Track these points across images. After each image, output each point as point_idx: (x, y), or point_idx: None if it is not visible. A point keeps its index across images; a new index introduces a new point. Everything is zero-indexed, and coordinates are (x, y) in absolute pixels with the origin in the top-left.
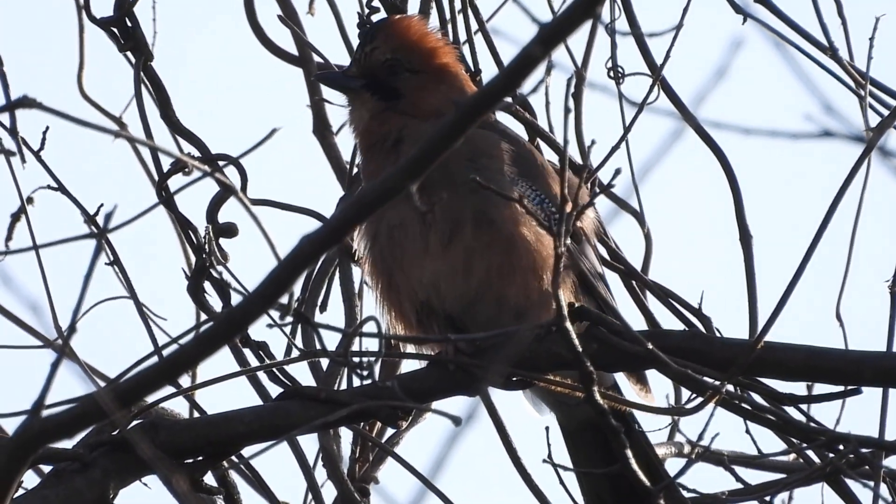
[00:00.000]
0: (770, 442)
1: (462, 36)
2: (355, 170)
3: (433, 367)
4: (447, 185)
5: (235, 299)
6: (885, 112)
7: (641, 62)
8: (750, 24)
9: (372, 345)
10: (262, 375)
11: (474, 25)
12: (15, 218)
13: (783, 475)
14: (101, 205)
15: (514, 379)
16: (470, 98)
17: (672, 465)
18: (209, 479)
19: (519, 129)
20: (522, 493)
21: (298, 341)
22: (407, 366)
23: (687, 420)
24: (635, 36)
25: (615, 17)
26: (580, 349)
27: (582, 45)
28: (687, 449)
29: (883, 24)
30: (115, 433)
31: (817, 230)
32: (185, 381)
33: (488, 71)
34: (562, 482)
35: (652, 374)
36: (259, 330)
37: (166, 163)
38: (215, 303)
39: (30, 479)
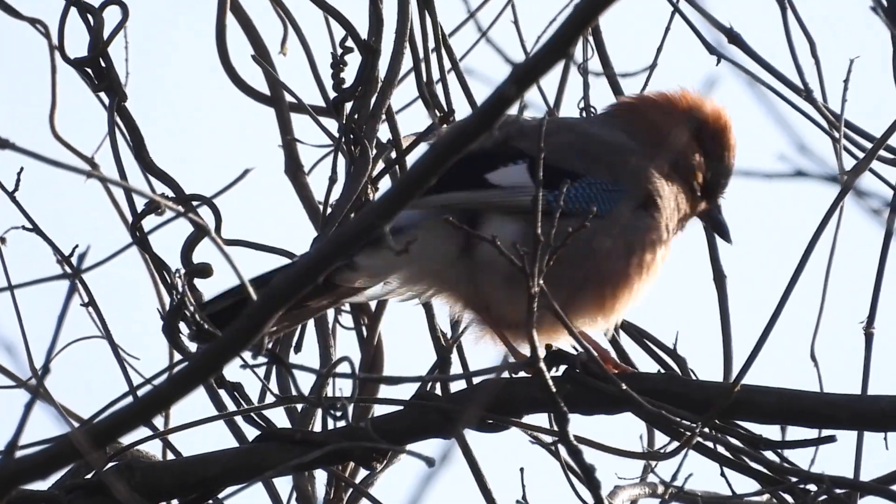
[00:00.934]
0: (744, 482)
1: (436, 75)
2: (329, 210)
3: (408, 409)
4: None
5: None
6: (859, 153)
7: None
8: (724, 64)
9: (346, 385)
10: (237, 417)
11: (448, 65)
12: None
13: None
14: (76, 245)
15: (489, 421)
16: (444, 138)
17: None
18: None
19: None
20: None
21: (273, 382)
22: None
23: (662, 462)
24: (608, 76)
25: (588, 57)
26: (554, 390)
27: (555, 85)
28: (660, 489)
29: (857, 66)
30: (90, 475)
31: (794, 272)
32: (159, 422)
33: (462, 110)
34: None
35: (626, 417)
36: (234, 370)
37: (140, 203)
38: (190, 343)
39: None
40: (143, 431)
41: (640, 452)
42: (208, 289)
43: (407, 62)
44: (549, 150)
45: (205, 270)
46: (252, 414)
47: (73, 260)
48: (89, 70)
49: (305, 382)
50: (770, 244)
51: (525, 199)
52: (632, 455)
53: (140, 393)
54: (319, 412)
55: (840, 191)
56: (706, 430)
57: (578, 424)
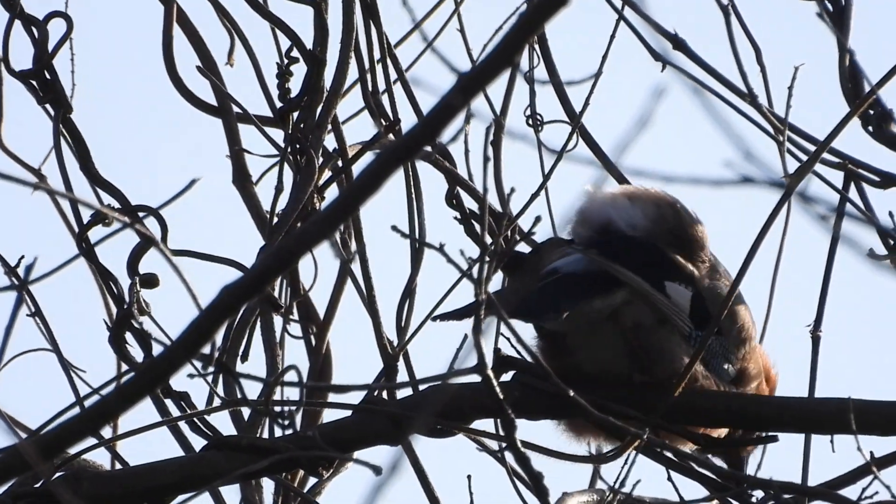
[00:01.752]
0: (692, 488)
1: (381, 85)
2: (275, 219)
3: (356, 416)
4: None
5: (157, 350)
6: (805, 157)
7: (561, 110)
8: (669, 71)
9: (293, 395)
10: (183, 426)
11: (393, 74)
12: None
13: None
14: (22, 256)
15: (438, 427)
16: (390, 147)
17: None
18: None
19: (438, 178)
20: None
21: (220, 391)
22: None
23: (610, 468)
24: (554, 84)
25: (534, 66)
26: (502, 396)
27: (501, 94)
28: (608, 496)
29: (801, 72)
30: (38, 485)
31: (736, 274)
32: (106, 432)
33: (408, 120)
34: None
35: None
36: (181, 380)
37: (86, 214)
38: (137, 353)
39: None
40: (89, 440)
41: (586, 456)
42: (155, 299)
43: (353, 72)
44: (709, 296)
45: (151, 281)
46: (199, 423)
47: (20, 271)
48: (34, 82)
49: (253, 392)
50: (718, 251)
51: (683, 328)
52: (577, 459)
53: (87, 404)
54: (267, 420)
55: (783, 193)
56: (651, 434)
57: (527, 428)
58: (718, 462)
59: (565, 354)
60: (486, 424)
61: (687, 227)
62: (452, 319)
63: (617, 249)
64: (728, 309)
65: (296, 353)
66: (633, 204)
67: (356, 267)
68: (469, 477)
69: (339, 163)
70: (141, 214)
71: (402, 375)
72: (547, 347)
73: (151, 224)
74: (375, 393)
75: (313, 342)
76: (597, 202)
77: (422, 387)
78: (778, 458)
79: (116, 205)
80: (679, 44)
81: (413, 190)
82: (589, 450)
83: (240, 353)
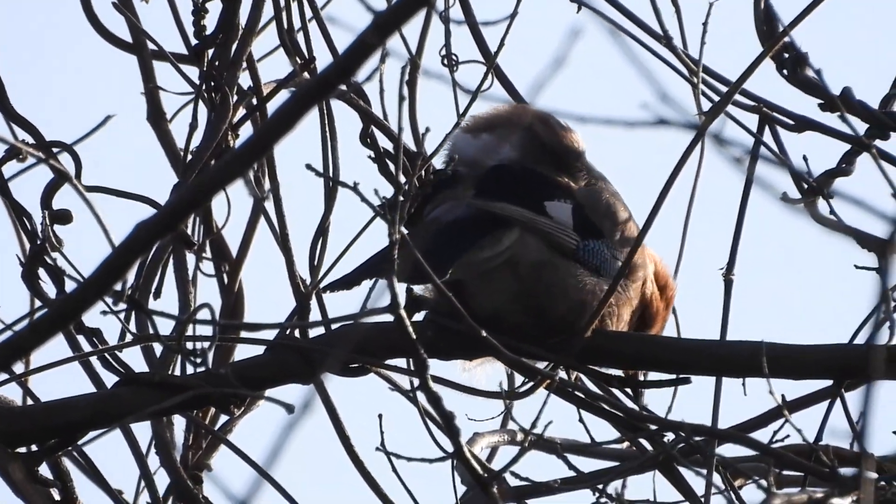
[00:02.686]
0: (603, 430)
1: (297, 23)
2: (189, 157)
3: (268, 354)
4: None
5: (70, 286)
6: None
7: (476, 50)
8: (585, 12)
9: (206, 332)
10: (96, 362)
11: (309, 13)
12: None
13: (616, 463)
14: None
15: (352, 366)
16: (305, 85)
17: (505, 453)
18: (43, 469)
19: (353, 117)
20: (356, 482)
21: (132, 328)
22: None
23: (521, 409)
24: (470, 24)
25: (450, 6)
26: (415, 336)
27: (417, 33)
28: (520, 437)
29: (718, 17)
30: None
31: (648, 216)
32: (18, 367)
33: (323, 59)
34: (394, 469)
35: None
36: (93, 317)
37: (0, 149)
38: (50, 289)
39: None
40: (1, 375)
41: (497, 391)
42: (69, 235)
43: (268, 10)
44: (589, 203)
45: (65, 217)
46: (111, 359)
47: None
48: None
49: (165, 329)
50: (632, 193)
51: (570, 243)
52: (488, 394)
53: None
54: (179, 358)
55: (696, 133)
56: (563, 373)
57: (440, 367)
58: (630, 404)
59: (468, 300)
60: (398, 365)
61: (560, 138)
62: (342, 289)
63: (495, 184)
64: (607, 211)
65: (208, 291)
66: (501, 133)
67: (270, 205)
68: (380, 416)
69: (254, 101)
70: (55, 150)
71: (315, 314)
72: (454, 293)
73: (66, 160)
74: (288, 331)
75: (226, 280)
76: (468, 139)
77: (334, 326)
78: (689, 401)
79: (31, 140)
80: None
81: (328, 129)
82: (501, 387)
83: (152, 291)
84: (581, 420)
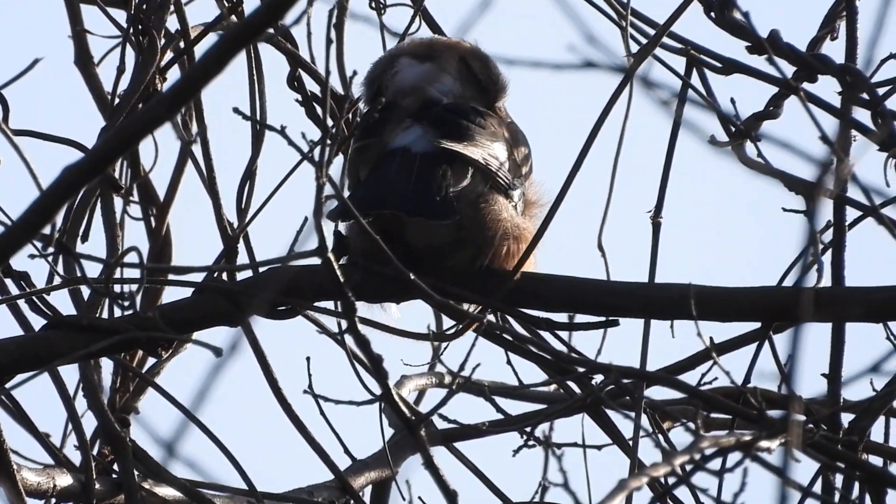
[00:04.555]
0: (532, 373)
1: None
2: (117, 100)
3: (196, 297)
4: None
5: None
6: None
7: None
8: None
9: (134, 275)
10: (23, 305)
11: None
12: None
13: (544, 406)
14: None
15: (280, 308)
16: (233, 29)
17: (433, 396)
18: None
19: (280, 60)
20: (284, 424)
21: (60, 271)
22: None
23: (450, 353)
24: None
25: None
26: (342, 280)
27: None
28: (448, 380)
29: None
30: None
31: (576, 159)
32: None
33: (251, 2)
34: (322, 412)
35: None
36: (21, 260)
37: None
38: None
39: None
40: None
41: (425, 333)
42: None
43: None
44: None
45: None
46: (39, 302)
47: None
48: None
49: (93, 272)
50: (560, 137)
51: (503, 181)
52: (416, 336)
53: None
54: (106, 301)
55: (624, 76)
56: (491, 316)
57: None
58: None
59: (405, 234)
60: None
61: (496, 76)
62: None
63: (453, 124)
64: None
65: (136, 235)
66: (442, 69)
67: (197, 149)
68: (308, 359)
69: (182, 44)
70: None
71: (243, 257)
72: (392, 226)
73: None
74: (216, 274)
75: (153, 224)
76: (414, 64)
77: (262, 269)
78: (618, 344)
79: None
80: None
81: (255, 72)
82: (429, 329)
83: (80, 234)
84: (509, 363)
